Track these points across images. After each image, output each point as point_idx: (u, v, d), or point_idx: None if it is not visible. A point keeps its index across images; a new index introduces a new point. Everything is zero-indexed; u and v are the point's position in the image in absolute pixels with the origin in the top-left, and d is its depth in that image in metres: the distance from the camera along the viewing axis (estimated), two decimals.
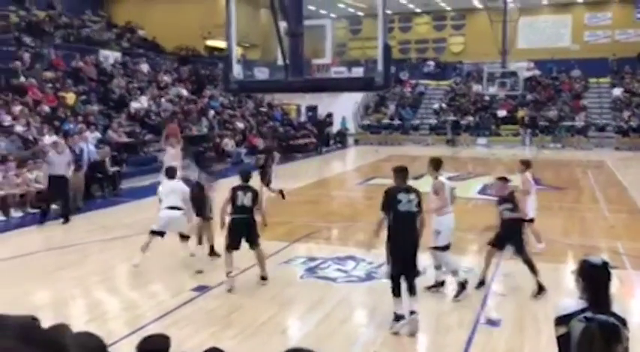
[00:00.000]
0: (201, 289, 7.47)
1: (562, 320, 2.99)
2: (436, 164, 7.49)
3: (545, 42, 34.34)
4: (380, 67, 5.47)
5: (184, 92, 24.52)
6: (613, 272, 3.16)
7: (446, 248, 7.27)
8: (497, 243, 7.36)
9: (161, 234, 8.33)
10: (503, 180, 7.64)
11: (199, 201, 8.64)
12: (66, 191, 11.74)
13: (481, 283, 7.43)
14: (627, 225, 11.31)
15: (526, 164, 9.47)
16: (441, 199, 7.25)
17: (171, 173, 8.88)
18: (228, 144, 21.95)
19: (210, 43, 30.80)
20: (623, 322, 2.99)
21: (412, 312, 6.12)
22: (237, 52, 6.81)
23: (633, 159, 23.39)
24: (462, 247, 9.74)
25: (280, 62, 6.03)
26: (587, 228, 11.23)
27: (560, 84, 32.09)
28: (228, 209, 7.56)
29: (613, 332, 2.80)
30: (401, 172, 6.55)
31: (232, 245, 7.45)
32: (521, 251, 7.21)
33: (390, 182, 17.43)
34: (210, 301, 7.16)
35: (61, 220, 11.44)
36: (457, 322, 6.48)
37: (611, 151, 25.77)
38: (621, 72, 31.81)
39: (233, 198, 7.50)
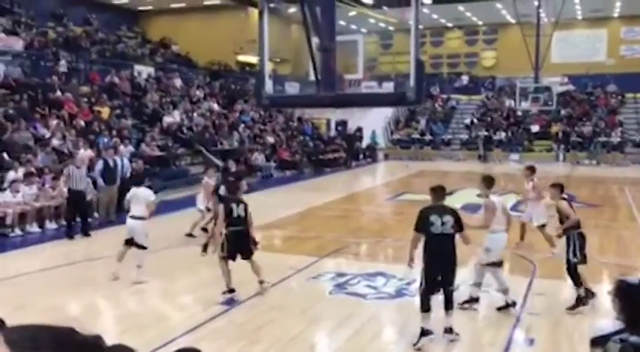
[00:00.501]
0: (231, 303, 7.48)
1: (598, 342, 2.94)
2: (488, 182, 7.56)
3: (579, 56, 33.87)
4: (412, 82, 5.45)
5: (216, 106, 24.83)
6: None
7: (498, 264, 7.23)
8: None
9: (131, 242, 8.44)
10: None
11: None
12: (83, 206, 11.82)
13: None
14: None
15: (531, 169, 9.64)
16: (489, 217, 7.20)
17: (137, 180, 9.07)
18: (258, 158, 22.10)
19: (242, 58, 31.23)
20: None
21: (449, 330, 6.05)
22: (268, 67, 6.87)
23: None
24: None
25: (312, 77, 6.06)
26: (623, 246, 10.93)
27: (595, 99, 31.53)
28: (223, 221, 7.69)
29: None
30: (437, 191, 6.51)
31: (229, 256, 7.55)
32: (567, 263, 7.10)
33: (420, 198, 17.34)
34: (240, 315, 7.16)
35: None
36: (489, 341, 6.35)
37: None
38: None
39: (229, 211, 7.57)
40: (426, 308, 6.08)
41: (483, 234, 7.32)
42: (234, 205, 7.64)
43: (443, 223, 6.14)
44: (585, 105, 30.97)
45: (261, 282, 7.76)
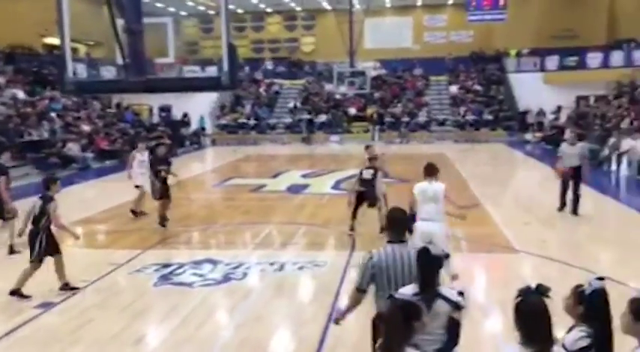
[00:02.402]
0: (46, 306, 6.91)
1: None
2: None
3: (389, 42, 36.31)
4: (225, 66, 5.43)
5: (21, 94, 22.54)
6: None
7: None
8: None
9: None
10: None
11: None
12: None
13: None
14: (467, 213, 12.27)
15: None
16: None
17: None
18: (73, 148, 20.56)
19: (49, 40, 28.61)
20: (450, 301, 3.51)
21: None
22: (80, 49, 6.38)
23: (470, 150, 25.52)
24: (319, 242, 10.02)
25: (121, 61, 5.76)
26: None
27: (404, 82, 34.11)
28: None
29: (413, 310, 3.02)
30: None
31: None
32: None
33: (247, 182, 17.38)
34: (54, 318, 6.65)
35: None
36: (312, 317, 6.61)
37: (451, 144, 27.88)
38: (457, 70, 34.56)
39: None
40: None
41: None
42: (36, 203, 7.29)
43: None
44: (396, 88, 33.40)
45: (65, 285, 7.32)
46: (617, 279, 7.29)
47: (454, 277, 6.81)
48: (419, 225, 6.78)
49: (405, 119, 30.40)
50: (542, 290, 3.01)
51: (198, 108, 30.59)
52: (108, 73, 20.65)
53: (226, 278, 7.86)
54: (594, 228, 10.76)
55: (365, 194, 10.01)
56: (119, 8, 5.49)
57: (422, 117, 30.73)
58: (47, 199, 7.25)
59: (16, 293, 7.09)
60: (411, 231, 6.30)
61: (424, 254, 3.61)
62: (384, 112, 30.80)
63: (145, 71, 5.55)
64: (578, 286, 3.18)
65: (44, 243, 7.16)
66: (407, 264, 3.94)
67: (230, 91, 29.59)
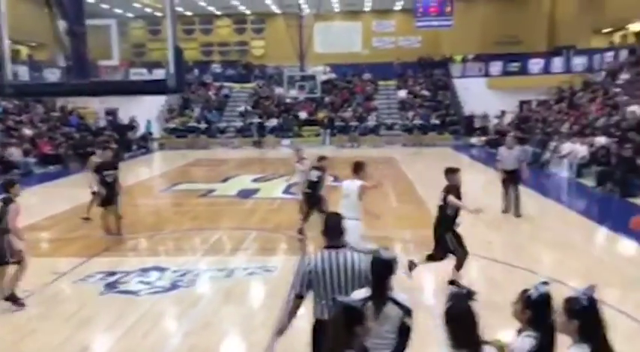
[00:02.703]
0: None
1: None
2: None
3: (339, 47, 36.59)
4: (172, 70, 5.33)
5: None
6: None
7: None
8: None
9: None
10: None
11: None
12: None
13: None
14: (412, 214, 12.49)
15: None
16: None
17: None
18: (15, 153, 19.82)
19: None
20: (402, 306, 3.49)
21: None
22: (22, 51, 6.16)
23: (418, 154, 25.96)
24: (270, 247, 9.98)
25: (63, 63, 5.59)
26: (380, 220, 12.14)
27: (353, 87, 34.41)
28: None
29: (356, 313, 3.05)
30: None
31: None
32: None
33: (196, 187, 17.12)
34: None
35: None
36: (262, 322, 6.58)
37: (399, 148, 28.29)
38: (405, 75, 35.12)
39: None
40: None
41: None
42: None
43: None
44: (346, 93, 33.65)
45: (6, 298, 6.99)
46: (557, 279, 7.58)
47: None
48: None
49: (355, 123, 30.67)
50: (470, 295, 3.10)
51: (145, 111, 30.01)
52: (52, 75, 20.02)
53: (174, 286, 7.73)
54: (536, 229, 11.12)
55: (311, 196, 9.97)
56: (60, 9, 5.32)
57: (371, 122, 31.05)
58: (7, 201, 7.00)
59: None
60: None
61: (376, 258, 3.62)
62: (335, 116, 30.99)
63: (88, 74, 5.38)
64: (525, 291, 3.22)
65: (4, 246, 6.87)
66: (343, 270, 3.90)
67: (177, 95, 29.17)
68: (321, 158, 10.30)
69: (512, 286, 3.40)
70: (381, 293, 3.54)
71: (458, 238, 7.30)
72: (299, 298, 4.04)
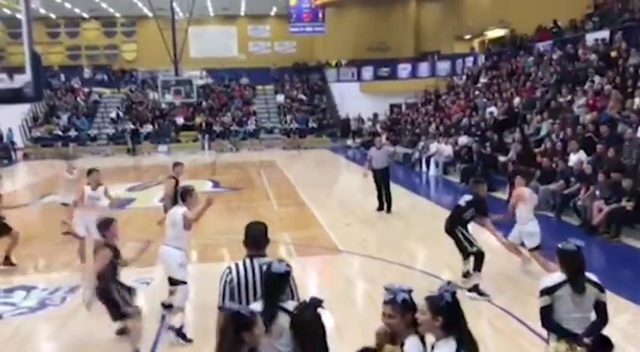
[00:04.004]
0: None
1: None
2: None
3: (215, 51, 36.28)
4: (29, 77, 5.06)
5: None
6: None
7: None
8: None
9: None
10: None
11: None
12: None
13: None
14: (294, 216, 12.70)
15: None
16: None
17: None
18: None
19: None
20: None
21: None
22: None
23: (297, 157, 26.39)
24: (149, 258, 9.66)
25: None
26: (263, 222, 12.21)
27: (231, 91, 34.24)
28: None
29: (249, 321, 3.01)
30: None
31: None
32: None
33: (68, 199, 16.10)
34: None
35: None
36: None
37: (280, 151, 28.58)
38: (282, 80, 35.54)
39: None
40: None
41: None
42: None
43: None
44: (224, 97, 33.41)
45: None
46: (432, 273, 8.09)
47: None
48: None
49: (235, 128, 30.53)
50: (316, 304, 3.09)
51: (6, 119, 27.80)
52: None
53: (42, 305, 7.27)
54: (408, 225, 11.74)
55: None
56: None
57: (251, 126, 31.08)
58: None
59: None
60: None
61: (267, 270, 3.53)
62: (213, 121, 30.64)
63: None
64: (430, 298, 3.09)
65: None
66: (256, 279, 3.76)
67: (40, 101, 27.36)
68: (176, 164, 9.51)
69: (389, 281, 3.52)
70: (271, 304, 3.43)
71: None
72: (221, 310, 3.66)
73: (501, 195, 14.27)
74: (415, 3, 37.04)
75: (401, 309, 3.15)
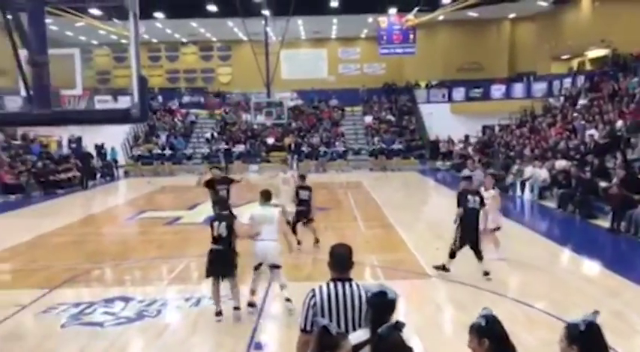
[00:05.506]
0: None
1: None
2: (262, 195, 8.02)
3: (305, 73, 37.02)
4: (136, 99, 5.34)
5: None
6: None
7: (255, 268, 7.72)
8: None
9: None
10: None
11: None
12: None
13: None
14: (381, 239, 12.57)
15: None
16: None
17: None
18: None
19: None
20: None
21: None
22: None
23: (384, 178, 26.20)
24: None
25: (24, 93, 5.53)
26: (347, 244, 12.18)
27: (320, 112, 34.70)
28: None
29: None
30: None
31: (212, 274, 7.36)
32: None
33: (162, 214, 16.89)
34: None
35: None
36: (231, 348, 6.51)
37: (366, 172, 28.53)
38: (370, 101, 35.61)
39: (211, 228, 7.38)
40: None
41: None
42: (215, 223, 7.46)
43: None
44: (313, 118, 33.91)
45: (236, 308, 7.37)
46: (523, 301, 7.72)
47: (282, 286, 7.67)
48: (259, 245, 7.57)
49: (323, 149, 30.85)
50: (399, 327, 3.01)
51: (110, 138, 29.63)
52: (13, 103, 19.66)
53: (140, 316, 7.58)
54: (501, 251, 11.27)
55: (303, 213, 11.19)
56: (22, 38, 5.30)
57: (339, 147, 31.29)
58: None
59: None
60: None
61: (377, 297, 3.38)
62: (302, 142, 31.14)
63: (50, 103, 5.35)
64: (569, 325, 3.01)
65: None
66: (350, 305, 3.68)
67: (139, 123, 28.93)
68: (302, 176, 11.85)
69: (480, 308, 3.38)
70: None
71: None
72: (306, 333, 3.69)
73: (602, 222, 13.47)
74: (510, 22, 36.14)
75: (477, 335, 3.07)
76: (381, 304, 3.33)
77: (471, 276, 9.10)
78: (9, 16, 5.16)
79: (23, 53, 5.35)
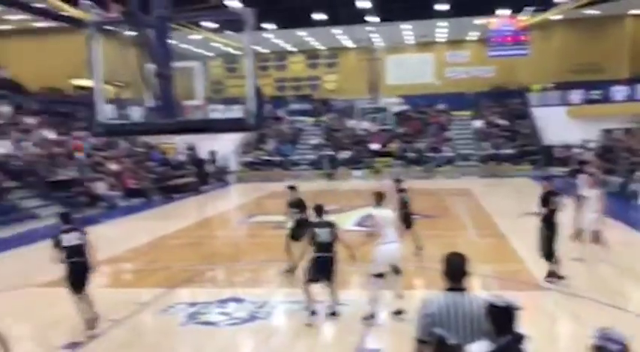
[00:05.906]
0: (73, 346, 6.97)
1: None
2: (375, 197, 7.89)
3: (411, 78, 36.57)
4: (251, 107, 5.54)
5: (51, 135, 23.14)
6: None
7: (377, 276, 7.52)
8: None
9: None
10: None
11: None
12: None
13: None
14: (492, 248, 12.13)
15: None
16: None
17: None
18: (101, 187, 20.93)
19: (78, 82, 29.49)
20: None
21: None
22: (109, 91, 6.62)
23: (494, 185, 25.29)
24: (343, 280, 9.93)
25: (149, 104, 5.93)
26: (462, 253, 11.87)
27: (427, 117, 34.18)
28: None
29: None
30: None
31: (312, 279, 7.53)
32: None
33: (272, 219, 17.29)
34: None
35: None
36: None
37: (475, 179, 27.67)
38: (479, 105, 34.55)
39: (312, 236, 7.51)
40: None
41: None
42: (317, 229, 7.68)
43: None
44: (419, 123, 33.46)
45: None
46: None
47: (399, 296, 7.65)
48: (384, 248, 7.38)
49: (430, 154, 30.35)
50: (520, 339, 3.01)
51: (222, 145, 30.98)
52: (135, 113, 21.11)
53: (252, 317, 7.84)
54: (621, 262, 10.50)
55: (409, 216, 11.21)
56: (149, 53, 5.68)
57: (447, 153, 30.63)
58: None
59: None
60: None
61: (496, 307, 3.28)
62: (407, 147, 30.83)
63: (174, 114, 5.69)
64: None
65: None
66: (467, 316, 3.60)
67: (254, 131, 29.93)
68: (398, 180, 11.62)
69: (598, 322, 3.17)
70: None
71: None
72: (420, 343, 3.63)
73: None
74: (632, 20, 33.69)
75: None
76: (503, 315, 3.22)
77: (590, 289, 8.56)
78: (139, 33, 5.55)
79: (150, 67, 5.73)
